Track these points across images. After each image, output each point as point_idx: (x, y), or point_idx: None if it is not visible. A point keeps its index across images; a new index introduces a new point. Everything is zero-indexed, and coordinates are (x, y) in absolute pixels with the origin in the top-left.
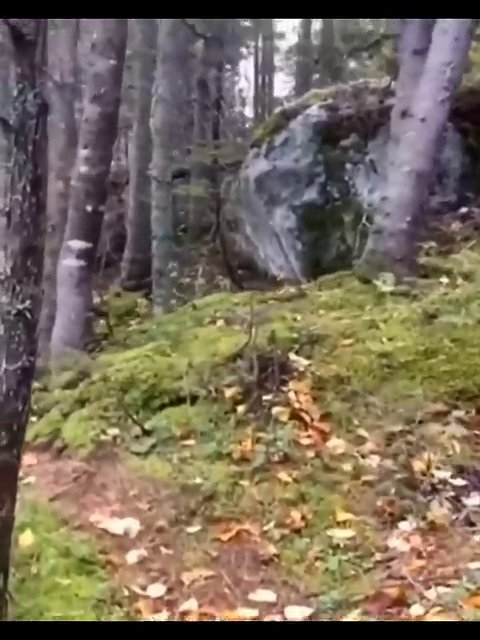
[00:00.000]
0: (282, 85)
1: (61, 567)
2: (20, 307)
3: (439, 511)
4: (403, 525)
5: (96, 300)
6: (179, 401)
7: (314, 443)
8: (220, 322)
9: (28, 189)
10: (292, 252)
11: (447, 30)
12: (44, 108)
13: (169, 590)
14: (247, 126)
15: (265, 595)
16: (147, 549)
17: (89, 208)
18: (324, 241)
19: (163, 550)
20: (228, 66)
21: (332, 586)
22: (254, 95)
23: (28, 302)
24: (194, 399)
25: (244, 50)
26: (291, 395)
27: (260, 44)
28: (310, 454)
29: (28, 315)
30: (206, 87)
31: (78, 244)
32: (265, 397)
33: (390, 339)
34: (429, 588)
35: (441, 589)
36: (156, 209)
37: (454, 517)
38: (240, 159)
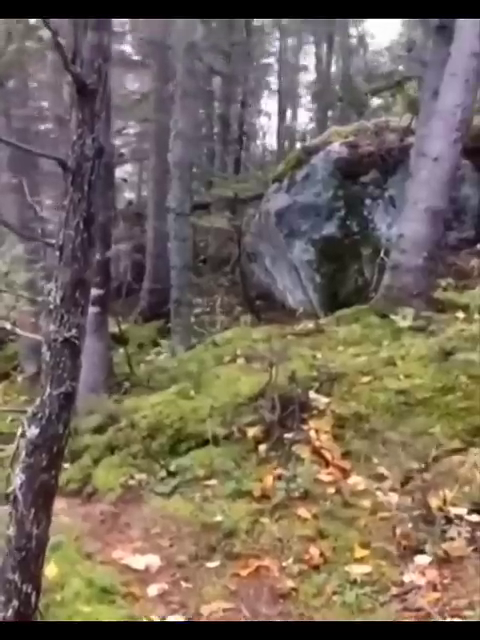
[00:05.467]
0: (305, 119)
1: (84, 596)
2: (67, 335)
3: (454, 544)
4: (419, 559)
5: (115, 329)
6: (204, 443)
7: (334, 480)
8: (241, 360)
9: (81, 226)
10: (310, 284)
11: (456, 73)
12: (100, 151)
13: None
14: (268, 158)
15: None
16: (168, 583)
17: (97, 257)
18: (342, 274)
19: (183, 584)
20: (250, 103)
21: (349, 618)
22: (277, 129)
23: (74, 330)
24: (218, 440)
25: (266, 83)
26: (312, 433)
27: (282, 79)
28: (330, 491)
29: (74, 343)
30: (227, 122)
31: (92, 292)
32: (286, 435)
33: (407, 376)
34: (444, 619)
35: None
36: (175, 240)
37: (470, 549)
38: (261, 193)
